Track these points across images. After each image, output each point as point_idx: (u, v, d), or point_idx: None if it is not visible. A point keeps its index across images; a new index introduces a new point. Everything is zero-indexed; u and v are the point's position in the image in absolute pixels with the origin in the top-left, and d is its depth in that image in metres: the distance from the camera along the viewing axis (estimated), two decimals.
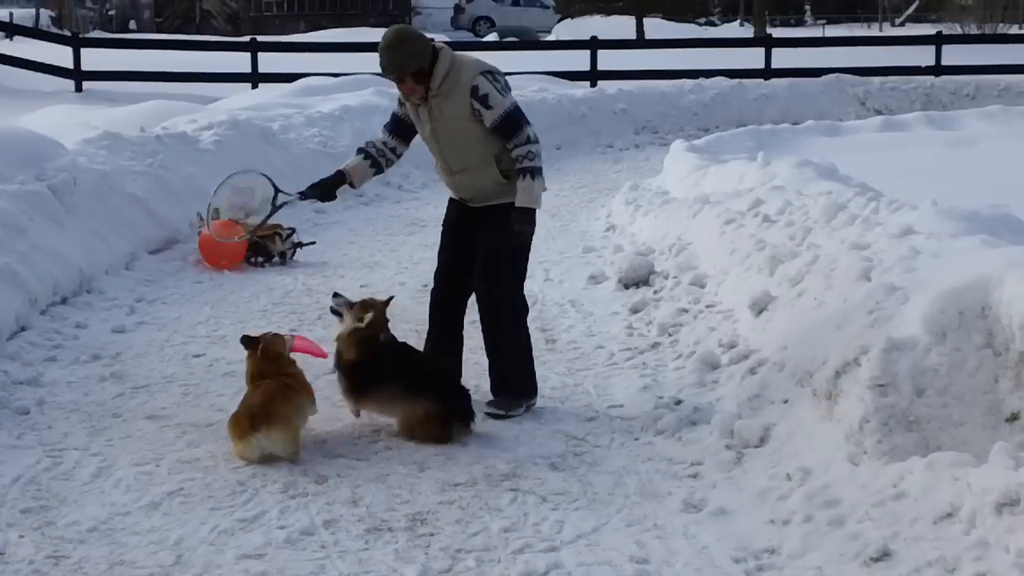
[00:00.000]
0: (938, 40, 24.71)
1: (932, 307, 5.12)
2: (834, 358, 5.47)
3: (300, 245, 10.22)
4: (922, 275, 5.74)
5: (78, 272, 8.63)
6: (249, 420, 5.47)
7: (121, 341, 7.64)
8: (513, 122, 6.03)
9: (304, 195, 6.37)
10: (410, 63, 5.93)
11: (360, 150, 6.38)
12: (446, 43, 6.37)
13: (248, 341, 5.88)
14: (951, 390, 4.99)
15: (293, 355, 5.96)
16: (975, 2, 39.06)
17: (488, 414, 6.15)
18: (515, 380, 6.29)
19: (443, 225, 6.56)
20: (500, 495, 5.19)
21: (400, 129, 6.33)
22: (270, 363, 5.78)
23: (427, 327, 6.55)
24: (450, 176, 6.28)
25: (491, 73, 6.04)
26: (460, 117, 6.02)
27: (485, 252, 6.23)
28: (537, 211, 6.12)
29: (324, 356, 6.25)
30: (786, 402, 5.80)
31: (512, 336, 6.32)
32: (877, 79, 22.60)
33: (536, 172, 6.04)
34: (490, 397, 6.31)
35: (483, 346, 6.38)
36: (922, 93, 22.40)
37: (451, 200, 6.49)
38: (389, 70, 5.97)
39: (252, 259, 9.86)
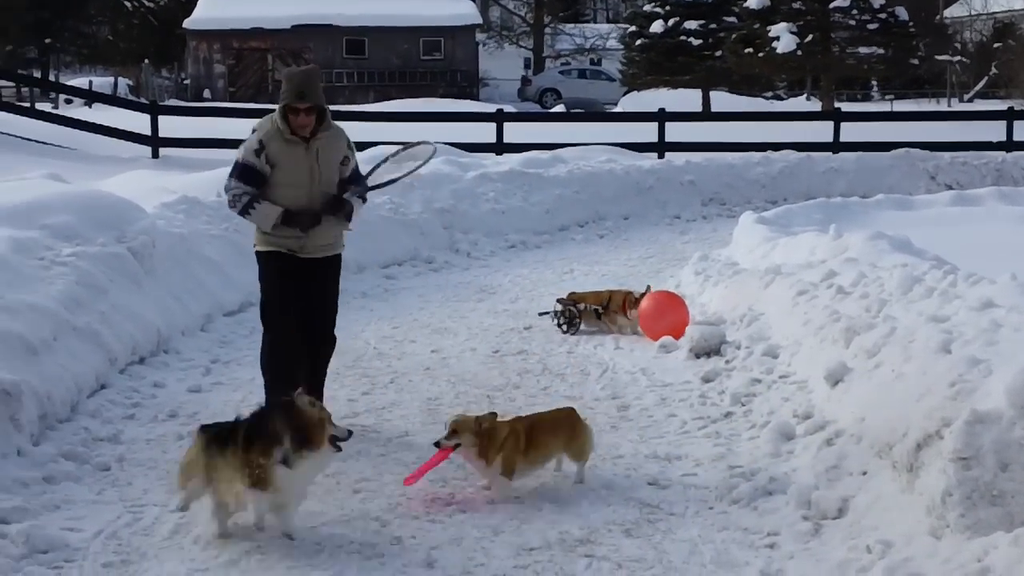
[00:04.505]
0: (1010, 115, 24.52)
1: (1016, 380, 5.05)
2: (915, 430, 5.41)
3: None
4: (1005, 348, 5.67)
5: (156, 333, 8.78)
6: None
7: (197, 400, 7.74)
8: (361, 174, 6.96)
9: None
10: (323, 98, 6.60)
11: (256, 200, 6.59)
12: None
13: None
14: None
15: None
16: None
17: None
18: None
19: (275, 280, 6.80)
20: (575, 560, 5.17)
21: (259, 180, 6.62)
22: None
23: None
24: None
25: None
26: (334, 162, 6.75)
27: (327, 297, 6.96)
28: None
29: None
30: (865, 474, 5.73)
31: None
32: (947, 154, 22.41)
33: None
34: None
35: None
36: (993, 168, 22.17)
37: (276, 255, 6.74)
38: (309, 97, 6.47)
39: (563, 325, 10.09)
